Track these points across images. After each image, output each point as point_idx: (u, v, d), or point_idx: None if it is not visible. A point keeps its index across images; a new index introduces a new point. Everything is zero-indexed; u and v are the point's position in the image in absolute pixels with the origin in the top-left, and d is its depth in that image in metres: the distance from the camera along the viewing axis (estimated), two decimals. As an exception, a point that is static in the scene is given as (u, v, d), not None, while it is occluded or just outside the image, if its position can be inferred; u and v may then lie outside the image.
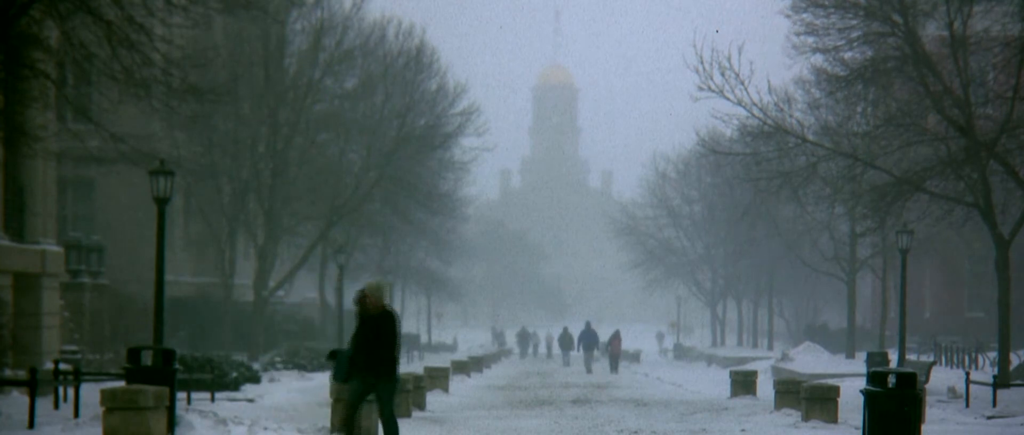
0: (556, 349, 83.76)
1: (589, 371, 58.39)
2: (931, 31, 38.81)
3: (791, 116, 40.88)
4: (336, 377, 17.25)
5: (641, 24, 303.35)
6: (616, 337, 61.35)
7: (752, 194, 61.09)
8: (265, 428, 20.45)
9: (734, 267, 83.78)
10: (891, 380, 17.83)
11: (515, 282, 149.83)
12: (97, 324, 41.33)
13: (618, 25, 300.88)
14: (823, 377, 39.17)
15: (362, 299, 16.80)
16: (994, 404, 29.27)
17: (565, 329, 73.61)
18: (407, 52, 56.52)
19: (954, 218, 39.16)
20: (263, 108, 50.27)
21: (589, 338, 62.36)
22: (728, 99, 37.54)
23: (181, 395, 27.87)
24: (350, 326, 66.54)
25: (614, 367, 59.61)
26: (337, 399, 20.99)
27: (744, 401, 32.20)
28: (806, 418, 24.19)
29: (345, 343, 56.23)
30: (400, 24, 56.89)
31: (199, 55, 35.08)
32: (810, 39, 37.60)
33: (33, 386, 22.81)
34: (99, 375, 30.01)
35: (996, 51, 36.20)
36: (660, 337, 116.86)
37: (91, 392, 25.52)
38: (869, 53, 37.86)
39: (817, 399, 24.27)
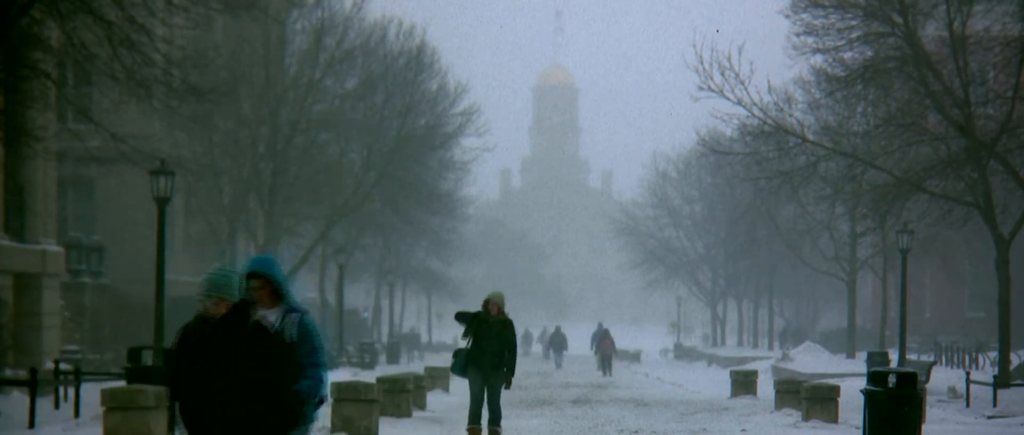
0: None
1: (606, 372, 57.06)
2: (931, 31, 38.81)
3: (791, 116, 40.90)
4: (453, 370, 19.66)
5: (641, 24, 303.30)
6: (606, 336, 58.87)
7: (752, 194, 61.11)
8: (266, 428, 20.42)
9: (734, 267, 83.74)
10: (891, 380, 17.83)
11: (515, 282, 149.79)
12: (97, 324, 41.35)
13: (618, 25, 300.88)
14: (823, 377, 39.18)
15: (486, 306, 19.34)
16: (994, 404, 29.28)
17: (558, 328, 71.76)
18: (408, 52, 56.51)
19: (954, 218, 39.15)
20: (263, 108, 50.26)
21: (600, 339, 60.91)
22: (728, 99, 37.55)
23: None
24: (350, 325, 66.20)
25: (606, 369, 56.89)
26: (337, 399, 21.03)
27: (744, 401, 32.21)
28: (806, 418, 24.20)
29: (340, 342, 56.34)
30: (401, 24, 56.93)
31: (200, 55, 35.11)
32: (810, 39, 37.61)
33: (33, 386, 22.82)
34: (99, 375, 30.02)
35: (996, 51, 36.18)
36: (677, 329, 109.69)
37: (91, 392, 25.52)
38: (869, 53, 37.85)
39: (817, 399, 24.27)
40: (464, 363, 19.36)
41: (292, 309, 9.39)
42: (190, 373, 8.65)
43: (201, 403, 8.65)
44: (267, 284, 9.33)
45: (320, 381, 9.21)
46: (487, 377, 19.30)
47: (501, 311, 19.32)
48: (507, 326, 19.29)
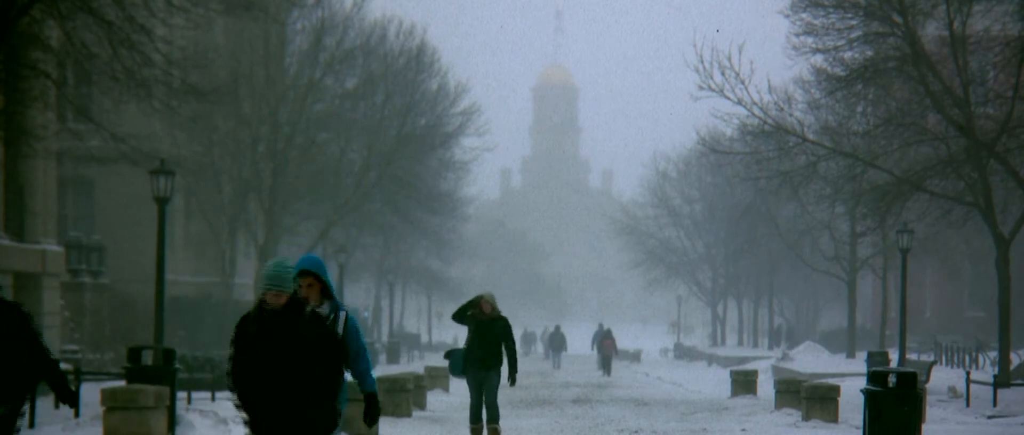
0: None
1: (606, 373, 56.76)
2: (931, 31, 38.79)
3: (791, 115, 40.90)
4: (453, 371, 19.84)
5: (641, 24, 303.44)
6: (608, 336, 58.48)
7: (752, 194, 61.17)
8: (266, 428, 20.41)
9: (734, 267, 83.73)
10: (891, 380, 17.83)
11: (515, 282, 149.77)
12: (97, 324, 41.35)
13: (618, 25, 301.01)
14: (823, 377, 39.19)
15: (479, 306, 19.54)
16: (994, 404, 29.27)
17: (557, 328, 70.99)
18: (408, 52, 56.47)
19: (954, 217, 39.16)
20: (264, 108, 50.26)
21: (601, 339, 60.54)
22: (728, 98, 37.57)
23: (181, 395, 27.87)
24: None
25: (607, 369, 56.39)
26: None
27: (744, 401, 32.20)
28: (806, 418, 24.20)
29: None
30: (401, 24, 56.88)
31: (200, 55, 35.16)
32: (810, 39, 37.58)
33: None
34: (99, 375, 30.02)
35: (996, 51, 36.18)
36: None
37: (91, 392, 25.52)
38: (869, 53, 37.83)
39: (817, 399, 24.26)
40: (462, 364, 19.64)
41: (339, 307, 10.36)
42: (247, 360, 9.38)
43: (258, 388, 9.35)
44: (316, 282, 10.24)
45: (371, 373, 10.35)
46: (484, 376, 19.55)
47: (494, 309, 19.64)
48: (502, 323, 19.57)
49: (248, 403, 9.43)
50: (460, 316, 19.87)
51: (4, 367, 10.38)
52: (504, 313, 20.04)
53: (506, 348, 19.51)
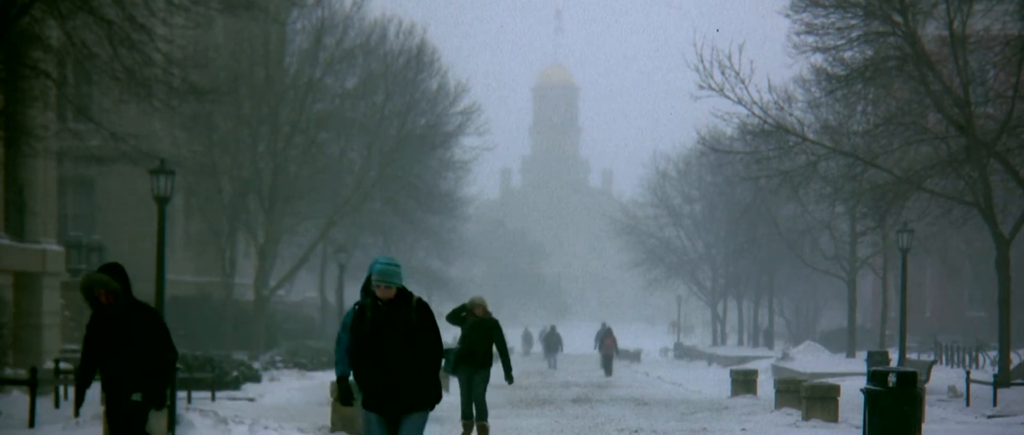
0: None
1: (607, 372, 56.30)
2: (931, 30, 38.80)
3: (791, 115, 40.92)
4: (445, 369, 20.32)
5: (641, 24, 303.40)
6: (609, 335, 57.98)
7: (753, 193, 61.15)
8: (266, 427, 20.48)
9: (735, 266, 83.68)
10: (891, 379, 17.84)
11: (515, 282, 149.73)
12: (98, 323, 41.32)
13: (618, 25, 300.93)
14: (823, 376, 39.19)
15: (472, 309, 20.36)
16: (994, 403, 29.28)
17: (553, 328, 70.28)
18: (408, 51, 56.43)
19: (954, 217, 39.17)
20: (264, 107, 50.26)
21: (602, 338, 60.11)
22: (728, 98, 37.59)
23: (181, 394, 27.89)
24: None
25: (608, 369, 55.75)
26: (338, 398, 21.16)
27: (744, 400, 32.19)
28: (806, 417, 24.20)
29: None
30: (401, 23, 56.84)
31: (200, 55, 35.14)
32: (810, 38, 37.58)
33: (34, 385, 22.84)
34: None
35: (996, 50, 36.18)
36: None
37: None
38: (869, 52, 37.83)
39: (817, 398, 24.27)
40: (454, 362, 20.28)
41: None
42: (366, 344, 10.94)
43: (376, 368, 10.87)
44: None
45: None
46: (475, 374, 20.19)
47: (486, 312, 20.38)
48: (494, 326, 20.31)
49: (365, 381, 10.92)
50: (455, 317, 20.52)
51: (137, 361, 12.07)
52: (504, 313, 20.45)
53: (499, 348, 20.20)
